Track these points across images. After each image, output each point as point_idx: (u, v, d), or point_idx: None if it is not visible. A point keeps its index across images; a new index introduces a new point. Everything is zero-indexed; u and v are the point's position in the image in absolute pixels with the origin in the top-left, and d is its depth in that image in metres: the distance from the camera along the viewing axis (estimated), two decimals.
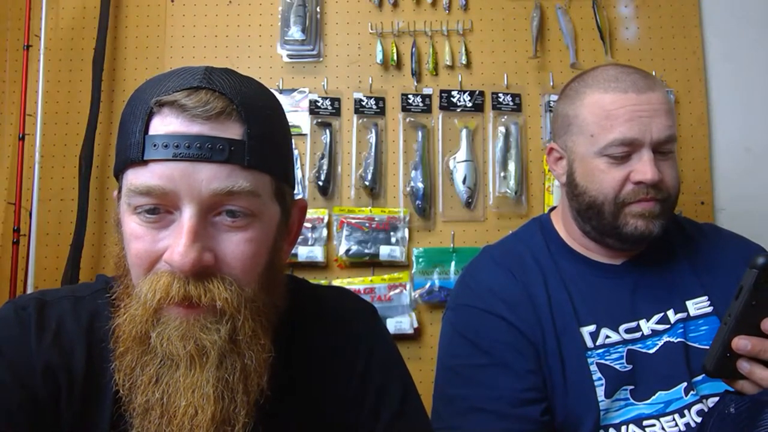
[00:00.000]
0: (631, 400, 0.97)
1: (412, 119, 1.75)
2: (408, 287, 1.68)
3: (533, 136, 1.76)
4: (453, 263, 1.69)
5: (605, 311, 1.01)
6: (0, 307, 0.71)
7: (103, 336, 0.68)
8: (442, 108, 1.75)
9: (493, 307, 1.01)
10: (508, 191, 1.71)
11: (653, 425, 0.95)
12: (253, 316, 0.64)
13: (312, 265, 1.69)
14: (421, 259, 1.69)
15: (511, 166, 1.72)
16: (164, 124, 0.61)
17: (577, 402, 0.95)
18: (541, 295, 1.02)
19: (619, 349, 0.99)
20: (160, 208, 0.61)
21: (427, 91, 1.76)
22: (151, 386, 0.62)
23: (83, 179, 1.66)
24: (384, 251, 1.66)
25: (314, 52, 1.78)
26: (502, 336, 0.99)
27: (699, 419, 0.94)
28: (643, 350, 0.99)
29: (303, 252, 1.66)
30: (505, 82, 1.76)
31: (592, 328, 1.00)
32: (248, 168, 0.62)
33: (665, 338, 1.00)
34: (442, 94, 1.75)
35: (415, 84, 1.77)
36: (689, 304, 1.02)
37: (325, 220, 1.70)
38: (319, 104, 1.75)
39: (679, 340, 0.99)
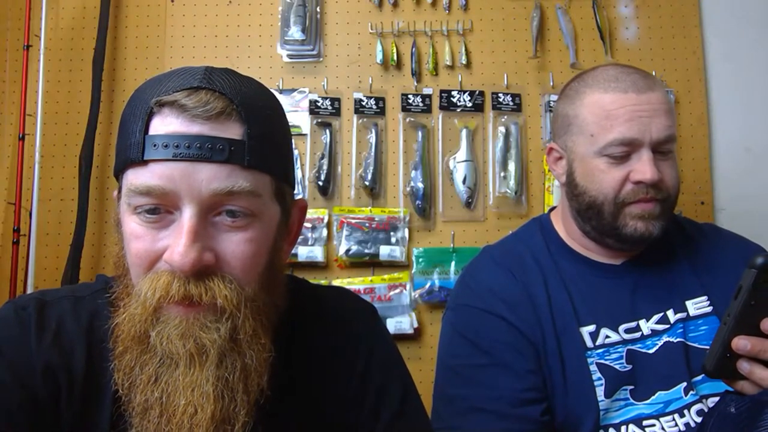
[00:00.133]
0: (631, 400, 0.97)
1: (412, 119, 1.75)
2: (408, 287, 1.68)
3: (533, 136, 1.76)
4: (453, 263, 1.69)
5: (605, 311, 1.01)
6: (0, 307, 0.71)
7: (102, 336, 0.68)
8: (442, 108, 1.75)
9: (493, 307, 1.01)
10: (508, 191, 1.72)
11: (653, 425, 0.95)
12: (253, 315, 0.64)
13: (312, 265, 1.69)
14: (421, 259, 1.69)
15: (511, 166, 1.72)
16: (164, 124, 0.61)
17: (577, 402, 0.95)
18: (541, 295, 1.02)
19: (619, 349, 0.99)
20: (160, 208, 0.61)
21: (427, 91, 1.77)
22: (151, 385, 0.62)
23: (83, 179, 1.66)
24: (384, 251, 1.66)
25: (314, 52, 1.78)
26: (502, 336, 0.99)
27: (699, 419, 0.94)
28: (643, 350, 0.99)
29: (303, 252, 1.66)
30: (505, 82, 1.76)
31: (591, 328, 1.00)
32: (248, 168, 0.62)
33: (665, 338, 1.00)
34: (442, 94, 1.75)
35: (415, 84, 1.77)
36: (689, 304, 1.02)
37: (325, 220, 1.70)
38: (319, 104, 1.75)
39: (678, 340, 0.99)
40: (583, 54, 1.78)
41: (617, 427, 0.95)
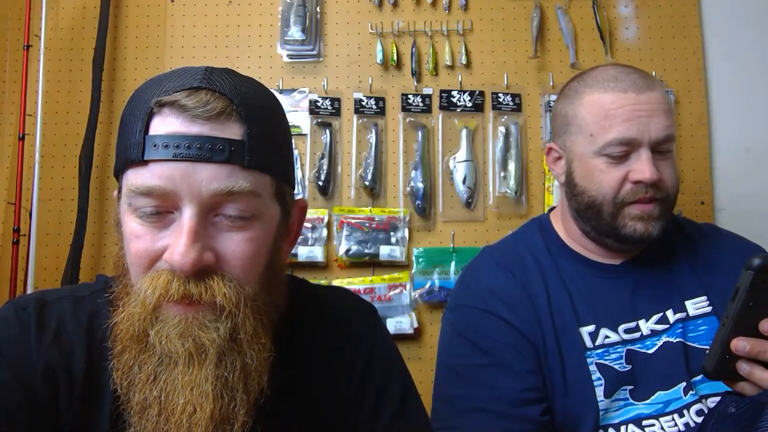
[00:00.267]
0: (631, 400, 0.97)
1: (412, 119, 1.75)
2: (408, 287, 1.68)
3: (533, 136, 1.76)
4: (453, 263, 1.69)
5: (605, 311, 1.01)
6: (0, 307, 0.71)
7: (102, 336, 0.68)
8: (442, 108, 1.75)
9: (493, 307, 1.01)
10: (508, 191, 1.72)
11: (653, 425, 0.95)
12: (253, 315, 0.64)
13: (312, 265, 1.69)
14: (421, 259, 1.69)
15: (511, 166, 1.72)
16: (164, 125, 0.61)
17: (577, 402, 0.95)
18: (540, 295, 1.02)
19: (619, 349, 0.99)
20: (161, 208, 0.61)
21: (427, 91, 1.77)
22: (149, 384, 0.62)
23: (83, 179, 1.66)
24: (384, 251, 1.66)
25: (314, 52, 1.78)
26: (502, 336, 0.99)
27: (698, 419, 0.94)
28: (643, 350, 0.99)
29: (303, 252, 1.66)
30: (505, 82, 1.76)
31: (591, 328, 1.00)
32: (248, 168, 0.62)
33: (664, 338, 1.00)
34: (442, 94, 1.75)
35: (415, 84, 1.77)
36: (688, 304, 1.02)
37: (325, 220, 1.70)
38: (319, 104, 1.75)
39: (678, 340, 0.99)
40: (583, 54, 1.78)
41: (617, 427, 0.95)
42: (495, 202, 1.73)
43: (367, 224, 1.69)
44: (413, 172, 1.71)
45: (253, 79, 0.69)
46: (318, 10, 1.79)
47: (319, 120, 1.75)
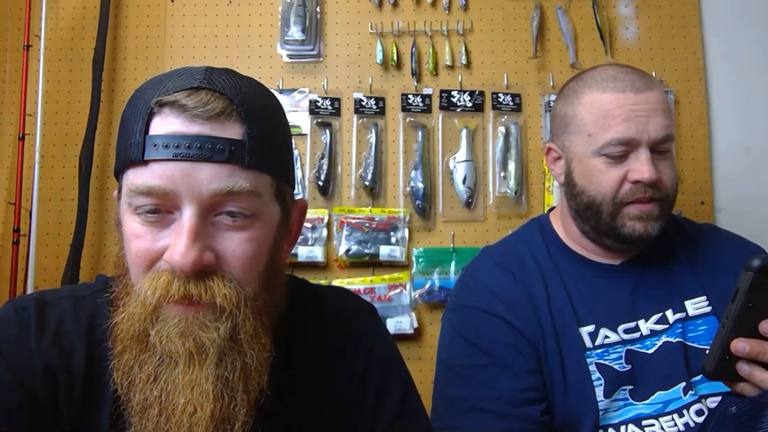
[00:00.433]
0: (630, 400, 0.97)
1: (412, 119, 1.75)
2: (408, 287, 1.68)
3: (533, 136, 1.76)
4: (453, 263, 1.69)
5: (604, 311, 1.01)
6: (0, 308, 0.71)
7: (102, 335, 0.68)
8: (442, 108, 1.75)
9: (493, 307, 1.01)
10: (508, 191, 1.72)
11: (652, 425, 0.95)
12: (253, 315, 0.64)
13: (312, 265, 1.69)
14: (421, 259, 1.69)
15: (511, 166, 1.72)
16: (164, 124, 0.61)
17: (577, 402, 0.95)
18: (540, 295, 1.02)
19: (618, 349, 0.99)
20: (161, 207, 0.61)
21: (427, 91, 1.77)
22: (150, 384, 0.62)
23: (83, 179, 1.66)
24: (384, 251, 1.66)
25: (314, 52, 1.78)
26: (502, 336, 0.99)
27: (698, 419, 0.94)
28: (642, 350, 0.99)
29: (303, 252, 1.66)
30: (505, 82, 1.76)
31: (591, 328, 1.00)
32: (248, 168, 0.62)
33: (664, 338, 1.00)
34: (442, 94, 1.75)
35: (415, 84, 1.77)
36: (688, 304, 1.02)
37: (325, 220, 1.70)
38: (319, 104, 1.75)
39: (677, 340, 0.99)
40: (583, 54, 1.78)
41: (617, 427, 0.95)
42: (495, 202, 1.73)
43: (367, 224, 1.69)
44: (413, 172, 1.71)
45: (253, 79, 0.69)
46: (318, 10, 1.79)
47: (319, 120, 1.75)
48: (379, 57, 1.76)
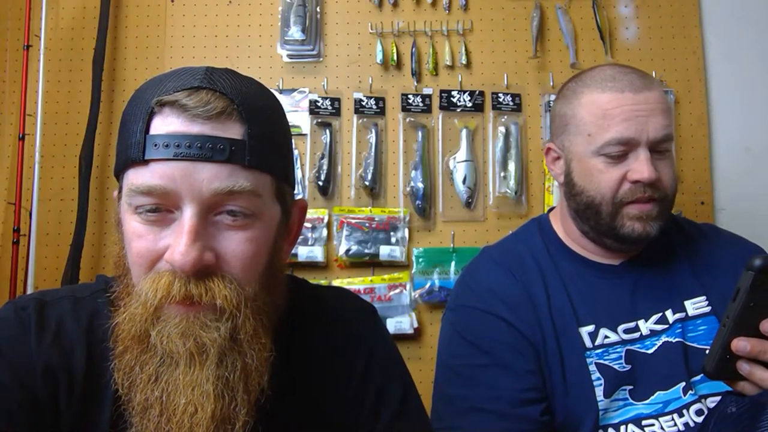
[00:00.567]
0: (630, 400, 0.97)
1: (412, 119, 1.75)
2: (408, 287, 1.68)
3: (533, 136, 1.76)
4: (453, 263, 1.69)
5: (604, 311, 1.01)
6: (0, 308, 0.71)
7: (103, 336, 0.68)
8: (442, 108, 1.75)
9: (493, 307, 1.01)
10: (508, 191, 1.72)
11: (652, 425, 0.95)
12: (253, 315, 0.64)
13: (312, 265, 1.69)
14: (421, 259, 1.69)
15: (511, 166, 1.72)
16: (165, 124, 0.62)
17: (577, 402, 0.95)
18: (540, 295, 1.02)
19: (618, 350, 0.99)
20: (161, 207, 0.61)
21: (427, 91, 1.77)
22: (151, 384, 0.62)
23: (83, 179, 1.66)
24: (384, 251, 1.66)
25: (314, 52, 1.78)
26: (502, 336, 0.99)
27: (698, 419, 0.94)
28: (642, 350, 0.99)
29: (303, 252, 1.66)
30: (505, 82, 1.76)
31: (590, 328, 1.00)
32: (249, 168, 0.62)
33: (664, 338, 1.00)
34: (442, 94, 1.75)
35: (415, 84, 1.77)
36: (687, 304, 1.02)
37: (325, 220, 1.70)
38: (319, 104, 1.75)
39: (677, 340, 0.99)
40: (583, 54, 1.78)
41: (616, 427, 0.95)
42: (495, 202, 1.73)
43: (367, 224, 1.69)
44: (413, 172, 1.71)
45: (253, 79, 0.69)
46: (318, 10, 1.79)
47: (319, 120, 1.75)
48: (379, 57, 1.76)
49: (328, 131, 1.74)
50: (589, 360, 0.98)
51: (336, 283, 1.67)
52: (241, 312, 0.63)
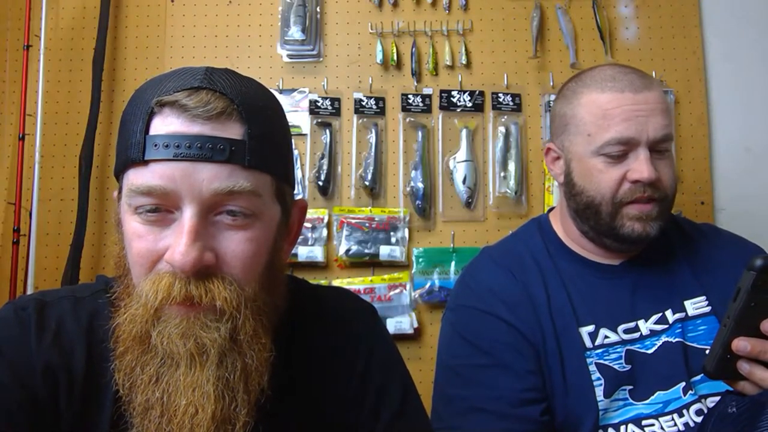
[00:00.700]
0: (630, 400, 0.97)
1: (412, 119, 1.75)
2: (408, 287, 1.68)
3: (533, 136, 1.76)
4: (453, 263, 1.69)
5: (604, 311, 1.01)
6: (0, 308, 0.71)
7: (103, 336, 0.68)
8: (442, 108, 1.75)
9: (493, 307, 1.01)
10: (508, 191, 1.72)
11: (652, 425, 0.95)
12: (253, 316, 0.64)
13: (312, 265, 1.69)
14: (421, 259, 1.69)
15: (511, 166, 1.72)
16: (165, 124, 0.62)
17: (577, 402, 0.95)
18: (540, 295, 1.02)
19: (618, 350, 0.99)
20: (161, 207, 0.61)
21: (427, 91, 1.77)
22: (152, 385, 0.62)
23: (83, 179, 1.66)
24: (384, 251, 1.66)
25: (314, 52, 1.78)
26: (502, 336, 0.99)
27: (698, 419, 0.94)
28: (642, 350, 0.99)
29: (303, 252, 1.66)
30: (505, 82, 1.76)
31: (590, 328, 1.00)
32: (249, 168, 0.62)
33: (663, 338, 1.00)
34: (442, 94, 1.75)
35: (415, 84, 1.77)
36: (687, 304, 1.02)
37: (325, 220, 1.70)
38: (319, 104, 1.75)
39: (677, 340, 0.99)
40: (583, 54, 1.78)
41: (616, 427, 0.95)
42: (495, 202, 1.73)
43: (367, 224, 1.69)
44: (413, 172, 1.71)
45: (253, 79, 0.69)
46: (318, 10, 1.79)
47: (319, 120, 1.75)
48: (379, 57, 1.76)
49: (328, 131, 1.74)
50: (589, 360, 0.98)
51: (336, 283, 1.67)
52: (241, 313, 0.63)
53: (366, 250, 1.67)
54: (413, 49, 1.76)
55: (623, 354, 0.99)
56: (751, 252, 1.07)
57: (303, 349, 0.77)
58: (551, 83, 1.76)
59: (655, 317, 1.01)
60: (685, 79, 1.77)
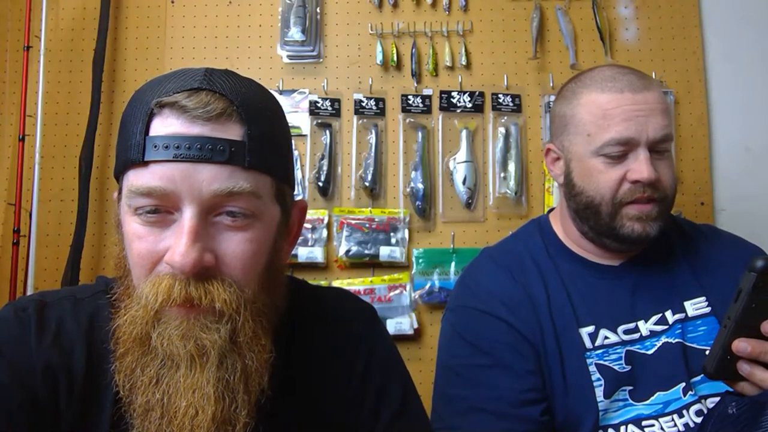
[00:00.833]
0: (630, 401, 0.97)
1: (412, 120, 1.75)
2: (408, 288, 1.68)
3: (533, 136, 1.76)
4: (453, 264, 1.69)
5: (604, 312, 1.01)
6: (0, 309, 0.71)
7: (103, 337, 0.69)
8: (442, 109, 1.75)
9: (492, 308, 1.01)
10: (508, 192, 1.72)
11: (652, 425, 0.95)
12: (253, 317, 0.64)
13: (312, 266, 1.69)
14: (421, 260, 1.69)
15: (511, 167, 1.72)
16: (165, 125, 0.62)
17: (577, 402, 0.96)
18: (540, 296, 1.02)
19: (618, 350, 0.99)
20: (161, 208, 0.61)
21: (427, 91, 1.77)
22: (152, 387, 0.62)
23: (83, 180, 1.66)
24: (384, 252, 1.66)
25: (314, 53, 1.78)
26: (502, 337, 0.99)
27: (698, 419, 0.94)
28: (642, 351, 0.99)
29: (303, 253, 1.66)
30: (505, 83, 1.76)
31: (590, 329, 1.00)
32: (249, 169, 0.62)
33: (663, 339, 1.00)
34: (442, 95, 1.75)
35: (415, 85, 1.77)
36: (687, 304, 1.02)
37: (325, 221, 1.70)
38: (319, 105, 1.75)
39: (677, 340, 0.99)
40: (582, 55, 1.78)
41: (616, 427, 0.95)
42: (495, 202, 1.73)
43: (367, 225, 1.69)
44: (413, 172, 1.72)
45: (253, 80, 0.70)
46: (318, 10, 1.80)
47: (319, 121, 1.75)
48: (379, 58, 1.76)
49: (328, 132, 1.74)
50: (589, 361, 0.98)
51: (336, 283, 1.67)
52: (241, 315, 0.63)
53: (366, 251, 1.67)
54: (413, 50, 1.77)
55: (623, 355, 0.98)
56: (751, 252, 1.07)
57: (303, 350, 0.77)
58: (551, 84, 1.76)
59: (655, 318, 1.01)
60: (685, 80, 1.77)
